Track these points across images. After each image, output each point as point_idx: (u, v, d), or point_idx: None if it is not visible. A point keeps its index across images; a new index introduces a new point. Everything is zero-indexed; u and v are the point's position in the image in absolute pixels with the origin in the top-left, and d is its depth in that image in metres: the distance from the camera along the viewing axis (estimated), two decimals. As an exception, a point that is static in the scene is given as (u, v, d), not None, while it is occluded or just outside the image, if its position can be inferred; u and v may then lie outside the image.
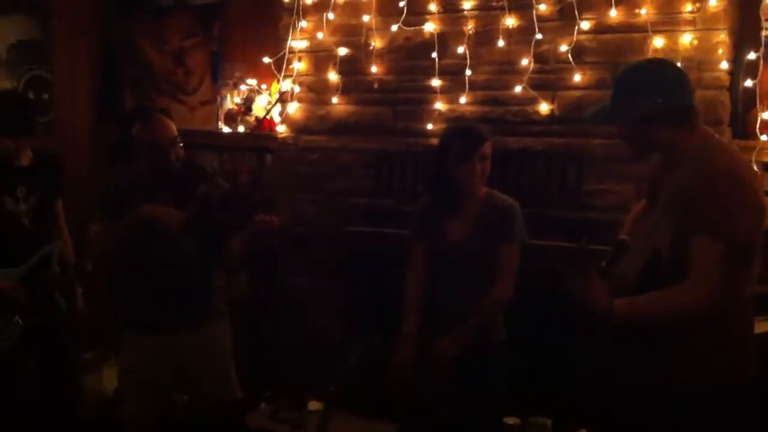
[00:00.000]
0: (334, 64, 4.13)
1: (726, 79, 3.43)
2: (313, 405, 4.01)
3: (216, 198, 3.04)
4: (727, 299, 2.20)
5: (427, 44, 3.91)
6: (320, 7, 4.11)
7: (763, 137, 3.38)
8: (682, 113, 2.32)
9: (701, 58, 3.41)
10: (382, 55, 4.04)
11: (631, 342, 2.38)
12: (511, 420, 3.61)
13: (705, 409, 2.26)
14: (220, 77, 4.73)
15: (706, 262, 2.16)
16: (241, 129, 4.57)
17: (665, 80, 2.33)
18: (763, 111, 3.41)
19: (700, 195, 2.19)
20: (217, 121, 4.72)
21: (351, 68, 4.11)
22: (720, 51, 3.39)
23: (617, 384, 2.53)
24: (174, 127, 3.04)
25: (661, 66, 2.48)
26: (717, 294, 2.17)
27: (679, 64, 3.37)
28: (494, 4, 3.74)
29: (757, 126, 3.39)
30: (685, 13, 3.43)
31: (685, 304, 2.21)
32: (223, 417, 3.22)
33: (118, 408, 3.23)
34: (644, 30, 3.47)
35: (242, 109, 4.62)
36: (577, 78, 3.61)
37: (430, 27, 3.88)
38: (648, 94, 2.29)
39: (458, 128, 3.19)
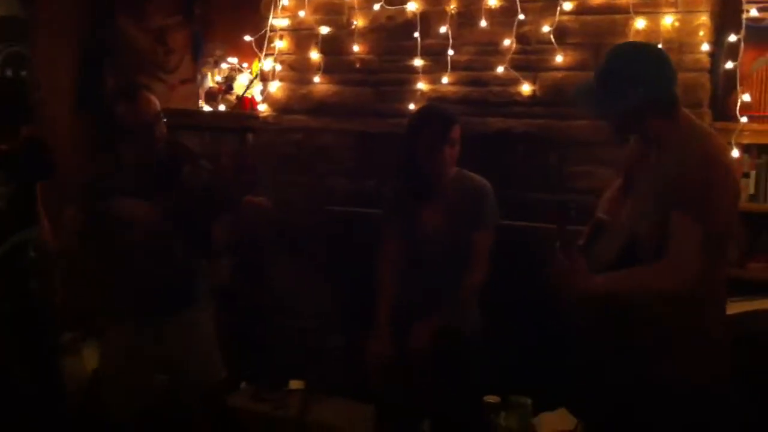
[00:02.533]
0: (316, 43, 4.10)
1: (707, 62, 3.44)
2: (294, 384, 4.03)
3: (199, 182, 3.00)
4: (704, 283, 2.22)
5: (409, 24, 3.89)
6: (302, -15, 4.08)
7: (744, 119, 3.40)
8: (668, 102, 2.33)
9: (682, 41, 3.42)
10: (364, 34, 4.02)
11: (610, 326, 2.40)
12: (491, 399, 3.64)
13: (684, 393, 2.29)
14: (200, 56, 4.68)
15: (686, 241, 2.18)
16: (222, 108, 4.54)
17: (653, 69, 2.33)
18: (744, 93, 3.43)
19: (684, 179, 2.21)
20: (199, 99, 4.68)
21: (333, 47, 4.09)
22: (701, 33, 3.40)
23: (597, 364, 2.55)
24: (157, 103, 3.00)
25: (649, 53, 2.45)
26: (694, 273, 2.19)
27: (660, 46, 3.39)
28: (477, -17, 3.73)
29: (738, 108, 3.41)
30: (667, -6, 3.43)
31: (664, 281, 2.23)
32: (204, 399, 3.22)
33: (98, 391, 3.21)
34: (626, 11, 3.47)
35: (223, 88, 4.59)
36: (559, 59, 3.60)
37: (412, 6, 3.86)
38: (637, 85, 2.29)
39: (425, 114, 3.12)
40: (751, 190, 3.52)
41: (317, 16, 4.09)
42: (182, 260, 3.07)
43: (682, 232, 2.19)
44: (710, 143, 2.32)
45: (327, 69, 4.11)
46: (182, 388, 3.21)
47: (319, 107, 4.16)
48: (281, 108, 4.25)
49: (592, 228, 2.39)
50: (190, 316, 3.10)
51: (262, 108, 4.30)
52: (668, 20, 3.42)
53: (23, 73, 4.35)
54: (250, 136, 4.45)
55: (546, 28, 3.61)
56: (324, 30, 4.07)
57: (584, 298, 2.34)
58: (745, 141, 3.47)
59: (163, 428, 3.32)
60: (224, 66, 4.62)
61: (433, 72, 3.87)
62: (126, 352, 3.05)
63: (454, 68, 3.81)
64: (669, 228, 2.20)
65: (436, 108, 3.29)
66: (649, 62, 2.36)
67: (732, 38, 3.41)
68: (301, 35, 4.15)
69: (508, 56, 3.68)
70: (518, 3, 3.63)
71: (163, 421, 3.30)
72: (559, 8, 3.57)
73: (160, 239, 2.96)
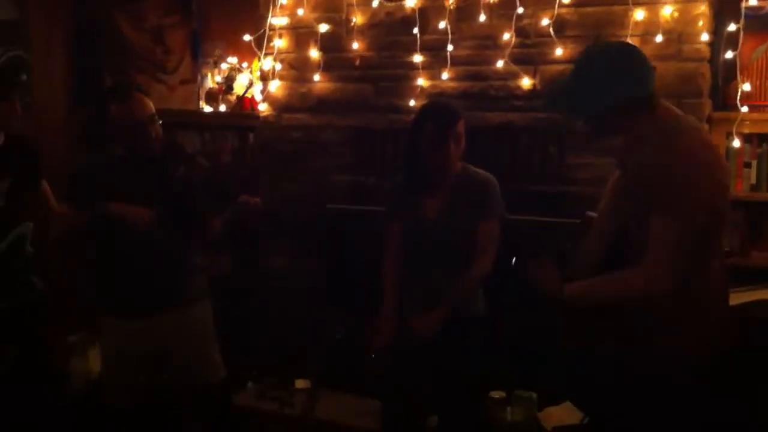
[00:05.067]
0: (315, 40, 4.10)
1: (706, 51, 3.44)
2: (300, 383, 4.03)
3: (195, 180, 3.01)
4: (690, 277, 2.20)
5: (408, 20, 3.89)
6: (300, -17, 4.09)
7: (744, 109, 3.40)
8: (642, 101, 2.30)
9: (682, 30, 3.42)
10: (363, 31, 4.02)
11: (599, 316, 2.41)
12: (497, 394, 3.64)
13: (681, 384, 2.28)
14: (200, 56, 4.69)
15: (662, 243, 2.16)
16: (222, 108, 4.54)
17: (627, 70, 2.29)
18: (744, 82, 3.43)
19: (658, 176, 2.19)
20: (199, 100, 4.69)
21: (332, 45, 4.09)
22: (700, 23, 3.40)
23: (591, 356, 2.55)
24: (152, 105, 2.99)
25: (623, 54, 2.37)
26: (671, 276, 2.16)
27: (660, 37, 3.40)
28: (475, -22, 3.73)
29: (738, 97, 3.41)
30: (666, -16, 3.43)
31: (639, 287, 2.22)
32: (208, 398, 3.21)
33: (102, 390, 3.21)
34: (625, 3, 3.47)
35: (223, 88, 4.59)
36: (559, 52, 3.61)
37: (411, 2, 3.85)
38: (609, 86, 2.27)
39: (431, 109, 3.12)
40: (753, 180, 3.52)
41: (316, 14, 4.10)
42: (179, 256, 3.07)
43: (657, 235, 2.17)
44: (688, 140, 2.26)
45: (327, 67, 4.11)
46: (182, 387, 3.19)
47: (319, 105, 4.16)
48: (282, 107, 4.25)
49: (582, 225, 2.38)
50: (189, 311, 3.10)
51: (263, 107, 4.31)
52: (667, 10, 3.42)
53: (24, 77, 4.36)
54: (250, 135, 4.46)
55: (545, 21, 3.61)
56: (323, 28, 4.07)
57: (558, 305, 2.34)
58: (746, 130, 3.47)
59: (164, 426, 3.32)
60: (224, 66, 4.62)
61: (432, 67, 3.88)
62: (120, 348, 3.05)
63: (453, 63, 3.82)
64: (648, 230, 2.19)
65: (441, 103, 3.30)
66: (625, 61, 2.31)
67: (731, 27, 3.40)
68: (300, 33, 4.16)
69: (508, 50, 3.69)
70: (517, -4, 3.64)
71: (163, 419, 3.30)
72: (558, 1, 3.57)
73: (158, 236, 2.96)
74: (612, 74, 2.28)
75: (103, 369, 3.22)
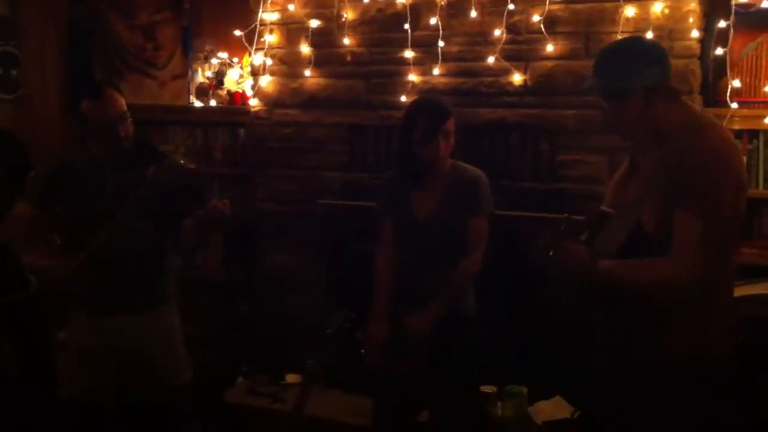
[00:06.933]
0: (306, 36, 4.09)
1: (697, 48, 3.46)
2: (291, 378, 4.04)
3: (166, 180, 2.97)
4: (709, 276, 2.21)
5: (399, 16, 3.89)
6: (291, -21, 4.07)
7: (734, 105, 3.41)
8: (664, 87, 2.33)
9: (672, 27, 3.43)
10: (354, 27, 4.01)
11: (611, 315, 2.40)
12: (488, 389, 3.66)
13: (682, 383, 2.29)
14: (190, 51, 4.67)
15: (688, 237, 2.17)
16: (213, 103, 4.53)
17: (648, 54, 2.34)
18: (734, 79, 3.44)
19: (685, 173, 2.19)
20: (189, 95, 4.67)
21: (323, 41, 4.08)
22: (691, 19, 3.41)
23: (596, 355, 2.55)
24: (123, 103, 2.96)
25: (641, 41, 2.51)
26: (697, 270, 2.18)
27: (650, 33, 3.41)
28: (466, -26, 3.73)
29: (728, 94, 3.42)
30: (656, -19, 3.44)
31: (666, 276, 2.22)
32: (175, 398, 3.16)
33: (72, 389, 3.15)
34: (616, -1, 3.48)
35: (214, 83, 4.58)
36: (550, 48, 3.61)
37: (402, -2, 3.87)
38: (633, 69, 2.30)
39: (421, 106, 3.12)
40: (743, 176, 3.54)
41: (307, 10, 4.09)
42: (155, 256, 3.05)
43: (683, 229, 2.18)
44: (712, 136, 2.29)
45: (318, 62, 4.10)
46: (151, 388, 3.14)
47: (310, 101, 4.16)
48: (272, 102, 4.24)
49: (596, 219, 2.38)
50: (160, 313, 3.06)
51: (254, 102, 4.30)
52: (658, 7, 3.43)
53: (13, 72, 4.35)
54: (241, 131, 4.45)
55: (536, 18, 3.62)
56: (314, 23, 4.06)
57: (588, 286, 2.34)
58: (736, 126, 3.48)
59: (162, 425, 3.30)
60: (214, 61, 4.60)
61: (423, 63, 3.88)
62: (95, 347, 2.99)
63: (445, 59, 3.82)
64: (672, 223, 2.20)
65: (431, 100, 3.30)
66: (645, 46, 2.40)
67: (722, 24, 3.42)
68: (291, 29, 4.15)
69: (499, 46, 3.69)
70: (508, -7, 3.64)
71: (161, 418, 3.28)
72: (548, -3, 3.58)
73: (133, 235, 2.92)
74: (635, 57, 2.33)
75: (72, 365, 3.15)
